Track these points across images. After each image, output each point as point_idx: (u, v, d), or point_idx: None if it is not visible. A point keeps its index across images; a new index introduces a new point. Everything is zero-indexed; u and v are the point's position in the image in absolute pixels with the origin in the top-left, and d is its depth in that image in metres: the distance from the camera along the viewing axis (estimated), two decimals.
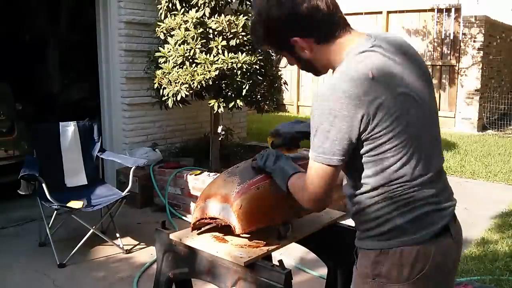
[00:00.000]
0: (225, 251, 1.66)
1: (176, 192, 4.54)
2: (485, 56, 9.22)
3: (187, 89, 4.25)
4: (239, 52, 4.27)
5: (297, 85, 11.31)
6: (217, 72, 4.14)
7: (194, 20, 4.29)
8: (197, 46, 4.24)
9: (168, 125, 5.40)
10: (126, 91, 4.96)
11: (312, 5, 1.31)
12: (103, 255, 3.62)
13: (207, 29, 4.34)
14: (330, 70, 1.42)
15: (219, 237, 1.78)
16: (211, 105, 4.43)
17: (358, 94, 1.24)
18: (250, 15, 4.46)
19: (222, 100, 4.41)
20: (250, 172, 1.75)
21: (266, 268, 1.57)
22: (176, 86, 4.27)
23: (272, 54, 4.80)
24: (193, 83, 4.17)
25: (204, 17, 4.38)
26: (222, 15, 4.35)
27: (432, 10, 9.44)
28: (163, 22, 4.55)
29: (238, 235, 1.69)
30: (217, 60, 4.19)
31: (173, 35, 4.41)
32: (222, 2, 4.42)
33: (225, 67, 4.17)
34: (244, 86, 4.33)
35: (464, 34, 9.18)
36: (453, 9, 9.27)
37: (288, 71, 10.25)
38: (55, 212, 3.52)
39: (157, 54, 4.45)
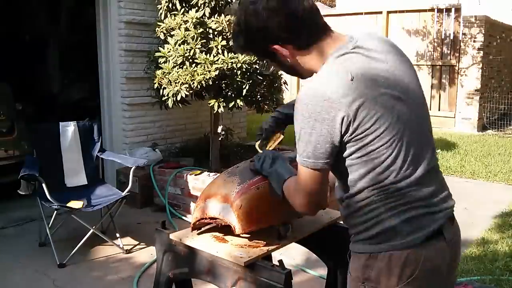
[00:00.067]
0: (225, 251, 1.66)
1: (176, 192, 4.54)
2: (485, 56, 9.22)
3: (187, 89, 4.25)
4: None
5: (297, 85, 11.31)
6: (217, 72, 4.14)
7: (194, 20, 4.29)
8: (197, 46, 4.24)
9: (168, 125, 5.40)
10: (126, 91, 4.96)
11: (288, 13, 1.30)
12: (103, 255, 3.62)
13: (207, 29, 4.34)
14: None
15: (219, 237, 1.78)
16: (211, 105, 4.43)
17: (337, 96, 1.23)
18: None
19: (222, 100, 4.41)
20: (250, 172, 1.75)
21: (266, 268, 1.57)
22: (176, 86, 4.27)
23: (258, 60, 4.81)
24: (193, 83, 4.17)
25: (204, 17, 4.38)
26: (222, 15, 4.36)
27: (432, 10, 9.44)
28: (163, 22, 4.55)
29: (238, 235, 1.69)
30: (217, 60, 4.19)
31: (173, 35, 4.41)
32: (222, 2, 4.42)
33: (225, 67, 4.17)
34: (244, 86, 4.33)
35: (464, 34, 9.18)
36: (453, 9, 9.27)
37: None
38: (55, 212, 3.52)
39: (157, 54, 4.45)
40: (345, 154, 1.29)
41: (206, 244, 1.73)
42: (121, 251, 3.66)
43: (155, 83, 4.50)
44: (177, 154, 5.30)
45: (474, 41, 9.08)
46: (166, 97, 4.42)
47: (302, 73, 1.45)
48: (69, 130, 4.05)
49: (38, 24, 7.59)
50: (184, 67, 4.26)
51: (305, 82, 1.37)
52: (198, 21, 4.31)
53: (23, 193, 3.91)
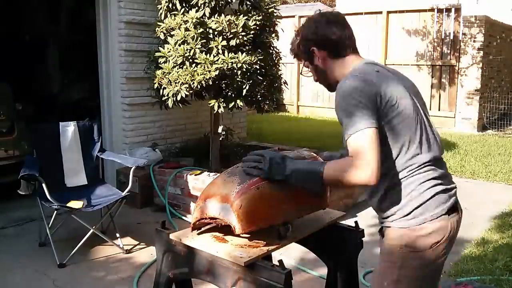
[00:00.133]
0: (225, 251, 1.66)
1: (176, 192, 4.54)
2: (485, 56, 9.22)
3: (187, 89, 4.25)
4: (239, 52, 4.27)
5: (297, 85, 11.31)
6: (217, 72, 4.14)
7: (194, 20, 4.29)
8: (197, 46, 4.24)
9: (168, 125, 5.40)
10: (126, 91, 4.96)
11: (328, 31, 1.76)
12: (103, 255, 3.62)
13: (207, 29, 4.34)
14: None
15: (219, 237, 1.78)
16: (211, 105, 4.43)
17: (372, 79, 1.63)
18: (251, 15, 4.46)
19: (222, 100, 4.41)
20: None
21: (266, 268, 1.57)
22: (176, 86, 4.27)
23: (275, 53, 4.83)
24: (193, 83, 4.17)
25: (204, 17, 4.38)
26: (222, 15, 4.35)
27: (432, 10, 9.45)
28: (163, 22, 4.55)
29: (238, 235, 1.69)
30: (217, 60, 4.19)
31: (173, 35, 4.41)
32: (222, 2, 4.42)
33: (225, 67, 4.17)
34: (244, 86, 4.33)
35: (464, 34, 9.18)
36: (453, 9, 9.27)
37: (288, 71, 10.25)
38: (55, 212, 3.52)
39: (157, 54, 4.45)
40: (383, 122, 1.61)
41: (206, 244, 1.73)
42: (121, 251, 3.66)
43: (155, 83, 4.50)
44: (177, 154, 5.30)
45: (474, 41, 9.08)
46: (166, 97, 4.42)
47: (331, 81, 1.80)
48: (69, 130, 4.05)
49: (38, 24, 7.59)
50: (184, 67, 4.26)
51: (344, 80, 1.68)
52: (198, 21, 4.30)
53: (23, 193, 3.91)
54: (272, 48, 4.80)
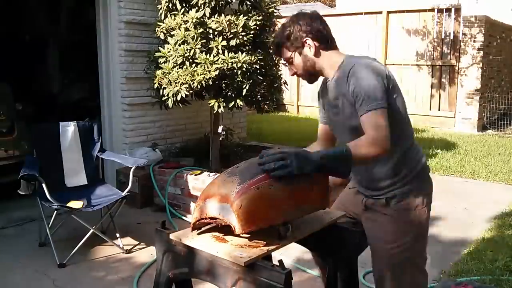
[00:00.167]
0: (225, 251, 1.66)
1: (176, 192, 4.54)
2: (485, 56, 9.22)
3: (187, 89, 4.25)
4: (239, 52, 4.27)
5: (297, 85, 11.31)
6: (217, 72, 4.14)
7: (194, 20, 4.29)
8: (197, 46, 4.24)
9: (168, 125, 5.40)
10: (126, 91, 4.96)
11: (321, 26, 1.98)
12: (103, 255, 3.62)
13: (207, 29, 4.34)
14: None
15: (219, 237, 1.78)
16: (211, 105, 4.43)
17: (381, 65, 1.92)
18: (251, 15, 4.46)
19: (222, 100, 4.41)
20: (250, 172, 1.75)
21: (266, 268, 1.57)
22: (176, 86, 4.28)
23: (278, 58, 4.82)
24: (193, 83, 4.18)
25: (204, 17, 4.38)
26: (222, 15, 4.35)
27: (432, 10, 9.44)
28: (163, 22, 4.55)
29: (238, 235, 1.69)
30: (217, 60, 4.19)
31: (173, 35, 4.41)
32: (222, 2, 4.42)
33: (225, 67, 4.17)
34: (244, 86, 4.33)
35: (464, 34, 9.17)
36: (453, 9, 9.27)
37: (288, 71, 10.23)
38: (55, 212, 3.52)
39: (157, 54, 4.45)
40: (391, 102, 1.86)
41: (206, 244, 1.73)
42: (121, 251, 3.66)
43: (155, 83, 4.50)
44: (177, 154, 5.30)
45: (474, 41, 9.07)
46: (166, 97, 4.42)
47: (315, 69, 1.99)
48: (69, 130, 4.05)
49: (38, 24, 7.59)
50: (184, 67, 4.26)
51: (356, 63, 1.89)
52: (198, 21, 4.31)
53: (23, 193, 3.91)
54: (272, 48, 4.79)
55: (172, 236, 1.82)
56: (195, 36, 4.25)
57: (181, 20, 4.37)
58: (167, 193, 4.54)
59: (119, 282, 3.22)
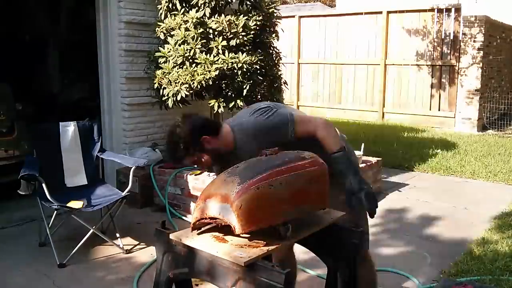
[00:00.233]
0: (225, 251, 1.66)
1: (176, 192, 4.54)
2: (485, 56, 9.21)
3: (187, 89, 4.26)
4: (239, 52, 4.27)
5: (297, 85, 11.31)
6: (217, 72, 4.14)
7: (194, 20, 4.29)
8: (197, 46, 4.25)
9: (168, 125, 5.33)
10: (126, 91, 4.96)
11: (198, 124, 2.19)
12: (103, 255, 3.62)
13: (207, 29, 4.34)
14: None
15: (219, 237, 1.78)
16: (211, 105, 4.43)
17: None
18: (251, 15, 4.46)
19: (222, 100, 4.41)
20: (250, 172, 1.75)
21: (266, 268, 1.57)
22: (176, 86, 4.28)
23: (275, 53, 4.82)
24: (193, 83, 4.18)
25: (204, 17, 4.38)
26: (222, 15, 4.36)
27: (432, 10, 9.44)
28: (163, 22, 4.55)
29: (238, 235, 1.69)
30: (217, 60, 4.19)
31: (173, 35, 4.41)
32: (222, 2, 4.42)
33: (225, 67, 4.17)
34: (244, 86, 4.33)
35: (464, 34, 9.17)
36: (453, 9, 9.27)
37: (288, 71, 10.25)
38: (55, 212, 3.52)
39: (157, 54, 4.45)
40: None
41: (206, 244, 1.73)
42: (121, 251, 3.66)
43: (155, 83, 4.50)
44: None
45: (474, 41, 9.07)
46: (166, 97, 4.42)
47: (222, 152, 2.17)
48: (69, 130, 4.05)
49: (38, 24, 7.58)
50: (184, 67, 4.26)
51: (246, 127, 2.16)
52: (198, 21, 4.31)
53: (23, 193, 3.91)
54: (272, 48, 4.80)
55: (172, 236, 1.82)
56: (195, 36, 4.25)
57: (181, 20, 4.37)
58: (167, 193, 4.54)
59: (119, 282, 3.22)
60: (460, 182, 5.78)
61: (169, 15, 4.57)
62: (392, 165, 6.19)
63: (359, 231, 2.04)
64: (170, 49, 4.35)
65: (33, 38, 7.56)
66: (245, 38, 4.33)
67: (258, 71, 4.43)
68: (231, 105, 4.41)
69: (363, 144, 5.03)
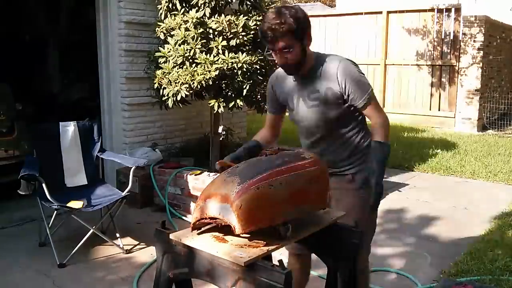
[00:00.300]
0: (225, 251, 1.66)
1: (176, 192, 4.54)
2: (485, 56, 9.22)
3: (187, 89, 4.25)
4: (239, 52, 4.27)
5: None
6: (217, 72, 4.14)
7: (194, 20, 4.29)
8: (197, 46, 4.24)
9: (168, 125, 5.40)
10: (126, 91, 4.96)
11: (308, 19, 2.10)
12: (103, 255, 3.62)
13: (207, 29, 4.34)
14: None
15: (219, 237, 1.78)
16: (211, 105, 4.43)
17: None
18: (251, 15, 4.46)
19: (222, 100, 4.41)
20: (250, 172, 1.75)
21: (266, 268, 1.57)
22: (176, 86, 4.28)
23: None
24: (193, 83, 4.18)
25: (204, 17, 4.38)
26: (222, 15, 4.36)
27: (432, 10, 9.44)
28: (163, 22, 4.55)
29: (238, 235, 1.69)
30: (217, 60, 4.19)
31: (173, 35, 4.41)
32: (222, 2, 4.42)
33: (225, 67, 4.17)
34: (244, 86, 4.33)
35: (464, 34, 9.17)
36: (453, 9, 9.27)
37: None
38: (55, 212, 3.52)
39: (157, 54, 4.45)
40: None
41: (206, 244, 1.73)
42: (121, 251, 3.66)
43: (155, 83, 4.50)
44: (177, 154, 5.30)
45: (474, 41, 9.07)
46: (166, 97, 4.42)
47: (302, 61, 2.09)
48: (69, 130, 4.05)
49: (38, 24, 7.59)
50: (184, 67, 4.26)
51: (341, 60, 2.12)
52: (198, 21, 4.31)
53: (23, 193, 3.91)
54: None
55: (172, 236, 1.82)
56: (195, 36, 4.25)
57: (181, 20, 4.37)
58: (167, 193, 4.54)
59: (119, 282, 3.22)
60: (460, 182, 5.78)
61: (169, 15, 4.57)
62: (392, 165, 6.19)
63: (359, 231, 2.04)
64: (170, 49, 4.35)
65: (33, 38, 7.57)
66: (245, 38, 4.33)
67: (258, 71, 4.43)
68: (231, 105, 4.41)
69: None
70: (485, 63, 9.23)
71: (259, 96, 4.61)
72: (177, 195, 4.53)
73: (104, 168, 4.52)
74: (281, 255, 1.92)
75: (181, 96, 4.31)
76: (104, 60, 5.04)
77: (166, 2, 4.56)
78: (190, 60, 4.26)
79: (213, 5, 4.38)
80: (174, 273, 1.84)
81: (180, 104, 4.50)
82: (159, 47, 4.52)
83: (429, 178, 5.99)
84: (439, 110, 9.54)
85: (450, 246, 3.79)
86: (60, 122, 4.04)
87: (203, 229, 1.84)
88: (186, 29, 4.30)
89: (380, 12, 10.01)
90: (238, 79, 4.29)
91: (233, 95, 4.39)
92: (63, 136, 4.02)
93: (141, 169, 4.34)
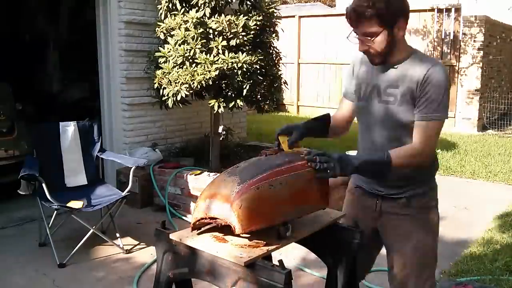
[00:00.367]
0: (225, 251, 1.66)
1: (176, 192, 4.54)
2: (485, 56, 9.22)
3: (187, 89, 4.26)
4: (239, 52, 4.27)
5: (297, 85, 11.31)
6: (217, 72, 4.14)
7: (194, 20, 4.29)
8: (197, 46, 4.24)
9: (168, 125, 5.40)
10: (126, 91, 4.96)
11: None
12: (103, 255, 3.62)
13: (207, 29, 4.34)
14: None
15: (219, 237, 1.78)
16: (211, 105, 4.43)
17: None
18: (251, 15, 4.46)
19: (222, 100, 4.41)
20: (250, 172, 1.75)
21: (266, 268, 1.57)
22: (176, 86, 4.28)
23: (275, 53, 4.81)
24: (193, 83, 4.18)
25: (204, 17, 4.38)
26: (222, 15, 4.35)
27: (432, 10, 9.44)
28: (163, 22, 4.55)
29: (238, 235, 1.69)
30: (217, 60, 4.19)
31: (173, 35, 4.41)
32: (222, 2, 4.42)
33: (225, 67, 4.17)
34: (244, 86, 4.33)
35: (464, 34, 9.18)
36: (453, 9, 9.27)
37: (288, 71, 10.25)
38: (55, 212, 3.52)
39: (157, 54, 4.45)
40: None
41: (206, 244, 1.73)
42: (121, 251, 3.66)
43: (155, 83, 4.50)
44: (177, 154, 5.30)
45: (474, 41, 9.08)
46: (166, 97, 4.42)
47: (388, 51, 1.81)
48: (69, 130, 4.05)
49: (38, 24, 7.59)
50: (184, 67, 4.26)
51: (436, 65, 1.81)
52: (198, 21, 4.30)
53: (23, 193, 3.91)
54: (272, 48, 4.80)
55: (172, 236, 1.82)
56: (195, 36, 4.25)
57: (181, 20, 4.37)
58: (167, 193, 4.54)
59: (119, 282, 3.22)
60: (460, 182, 5.78)
61: (169, 15, 4.57)
62: None
63: (359, 231, 2.04)
64: (170, 49, 4.35)
65: (33, 38, 7.57)
66: (245, 38, 4.33)
67: (258, 71, 4.43)
68: (231, 105, 4.41)
69: None
70: (485, 63, 9.23)
71: (259, 96, 4.61)
72: (177, 195, 4.53)
73: (104, 168, 4.52)
74: (281, 255, 1.92)
75: (181, 96, 4.31)
76: (104, 60, 5.04)
77: (166, 2, 4.56)
78: (190, 60, 4.26)
79: (213, 5, 4.38)
80: (174, 273, 1.84)
81: (180, 104, 4.50)
82: (159, 47, 4.52)
83: None
84: None
85: (450, 246, 3.79)
86: (60, 122, 4.04)
87: (203, 229, 1.84)
88: (186, 29, 4.30)
89: None
90: (238, 79, 4.29)
91: (233, 95, 4.39)
92: (63, 136, 4.02)
93: (141, 169, 4.35)
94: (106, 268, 3.43)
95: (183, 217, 4.41)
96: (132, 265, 3.47)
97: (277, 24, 4.81)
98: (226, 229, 1.72)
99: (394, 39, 1.78)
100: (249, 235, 1.72)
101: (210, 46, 4.30)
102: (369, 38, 1.77)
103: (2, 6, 6.54)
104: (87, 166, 4.08)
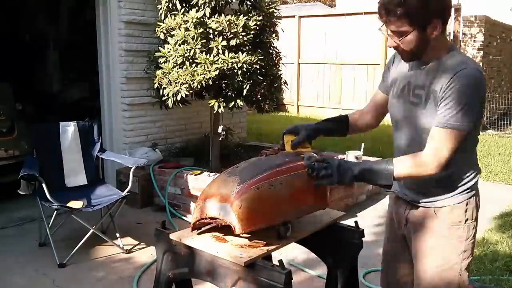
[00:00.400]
0: (225, 251, 1.66)
1: (176, 192, 4.54)
2: (485, 56, 9.22)
3: (187, 89, 4.25)
4: (239, 52, 4.28)
5: (297, 85, 11.31)
6: (217, 72, 4.14)
7: (194, 20, 4.29)
8: (197, 46, 4.24)
9: (168, 125, 5.40)
10: (126, 91, 4.96)
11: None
12: (103, 255, 3.62)
13: (207, 29, 4.34)
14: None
15: (219, 237, 1.78)
16: (211, 105, 4.43)
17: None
18: (251, 15, 4.46)
19: (222, 100, 4.41)
20: (250, 172, 1.75)
21: (266, 268, 1.57)
22: (176, 86, 4.28)
23: (275, 53, 4.81)
24: (193, 83, 4.18)
25: (204, 17, 4.38)
26: (222, 15, 4.35)
27: None
28: (163, 22, 4.55)
29: (238, 235, 1.69)
30: (217, 60, 4.19)
31: (173, 35, 4.41)
32: (222, 2, 4.42)
33: (225, 67, 4.17)
34: (244, 86, 4.33)
35: (464, 33, 9.18)
36: (453, 9, 9.27)
37: (288, 71, 10.25)
38: (55, 212, 3.52)
39: (157, 54, 4.45)
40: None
41: (206, 244, 1.73)
42: (121, 251, 3.66)
43: (155, 83, 4.50)
44: (177, 154, 5.30)
45: (474, 41, 9.08)
46: (166, 97, 4.42)
47: (423, 51, 1.69)
48: (69, 130, 4.05)
49: (38, 24, 7.59)
50: (184, 67, 4.26)
51: (468, 68, 1.63)
52: (198, 21, 4.30)
53: (23, 193, 3.90)
54: (272, 48, 4.80)
55: (172, 236, 1.82)
56: (195, 36, 4.25)
57: (181, 20, 4.37)
58: (167, 193, 4.54)
59: (119, 282, 3.22)
60: None
61: (169, 15, 4.57)
62: None
63: (359, 231, 2.04)
64: (170, 49, 4.35)
65: (33, 38, 7.57)
66: (245, 38, 4.33)
67: (258, 71, 4.43)
68: (231, 105, 4.41)
69: (363, 144, 5.03)
70: (485, 63, 9.23)
71: (259, 96, 4.61)
72: (177, 195, 4.53)
73: (104, 168, 4.52)
74: (281, 255, 1.92)
75: (181, 96, 4.30)
76: (104, 60, 5.04)
77: (166, 2, 4.56)
78: (190, 60, 4.26)
79: (213, 5, 4.38)
80: (174, 273, 1.84)
81: (180, 104, 4.50)
82: (159, 47, 4.52)
83: None
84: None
85: None
86: (60, 122, 4.04)
87: (203, 229, 1.84)
88: (186, 29, 4.30)
89: None
90: (238, 79, 4.29)
91: (233, 95, 4.39)
92: (63, 136, 4.02)
93: (141, 169, 4.34)
94: (106, 268, 3.43)
95: (183, 217, 4.41)
96: (132, 265, 3.47)
97: (277, 24, 4.81)
98: (226, 229, 1.72)
99: (426, 39, 1.64)
100: (249, 235, 1.72)
101: (210, 46, 4.30)
102: (397, 35, 1.65)
103: (2, 6, 6.54)
104: (87, 166, 4.08)
